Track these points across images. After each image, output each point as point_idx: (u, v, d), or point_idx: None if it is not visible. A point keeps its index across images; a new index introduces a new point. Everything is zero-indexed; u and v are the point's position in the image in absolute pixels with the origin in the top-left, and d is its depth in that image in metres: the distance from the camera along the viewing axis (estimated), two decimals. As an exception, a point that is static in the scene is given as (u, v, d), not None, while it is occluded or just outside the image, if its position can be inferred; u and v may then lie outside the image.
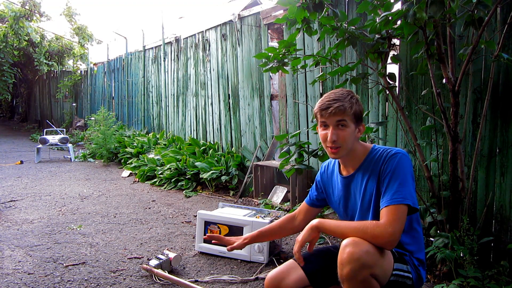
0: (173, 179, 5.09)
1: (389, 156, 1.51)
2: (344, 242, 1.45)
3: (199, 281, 2.38)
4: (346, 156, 1.60)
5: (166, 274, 2.37)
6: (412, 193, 1.44)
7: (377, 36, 2.53)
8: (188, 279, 2.41)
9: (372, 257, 1.43)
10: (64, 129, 10.10)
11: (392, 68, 2.94)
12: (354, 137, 1.57)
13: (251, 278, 2.43)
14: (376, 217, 1.52)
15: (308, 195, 1.85)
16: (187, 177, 5.01)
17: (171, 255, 2.50)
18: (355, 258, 1.41)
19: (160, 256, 2.49)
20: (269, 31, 4.69)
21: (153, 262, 2.45)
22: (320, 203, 1.80)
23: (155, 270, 2.40)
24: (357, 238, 1.45)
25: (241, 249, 1.76)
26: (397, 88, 2.93)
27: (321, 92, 3.73)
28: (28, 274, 2.49)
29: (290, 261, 1.71)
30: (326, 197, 1.78)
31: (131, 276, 2.48)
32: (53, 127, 9.91)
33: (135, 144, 6.86)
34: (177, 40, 6.74)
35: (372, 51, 2.57)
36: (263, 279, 2.39)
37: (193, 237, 3.10)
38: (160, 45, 7.31)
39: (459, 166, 2.33)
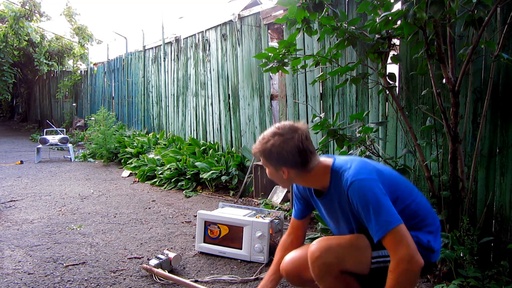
0: (173, 179, 5.09)
1: (348, 189, 1.47)
2: (312, 242, 1.50)
3: (199, 281, 2.39)
4: (301, 183, 1.62)
5: (166, 273, 2.37)
6: (389, 212, 1.40)
7: (377, 36, 2.53)
8: (189, 279, 2.41)
9: (334, 253, 1.44)
10: (64, 129, 10.10)
11: (392, 68, 2.94)
12: (283, 178, 1.57)
13: (251, 278, 2.43)
14: (359, 224, 1.53)
15: (293, 213, 1.85)
16: (187, 177, 5.01)
17: (171, 255, 2.50)
18: (315, 257, 1.47)
19: (160, 256, 2.49)
20: (269, 31, 4.69)
21: (153, 261, 2.45)
22: (308, 209, 1.80)
23: (155, 269, 2.40)
24: (323, 238, 1.51)
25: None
26: (397, 88, 2.93)
27: (321, 92, 3.73)
28: (28, 274, 2.49)
29: (307, 245, 1.75)
30: (310, 203, 1.78)
31: (131, 276, 2.48)
32: (53, 127, 9.91)
33: (135, 144, 6.86)
34: (177, 40, 6.74)
35: (372, 51, 2.57)
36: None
37: (193, 237, 3.10)
38: (160, 45, 7.31)
39: (459, 166, 2.33)
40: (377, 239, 1.41)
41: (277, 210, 3.44)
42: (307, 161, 1.54)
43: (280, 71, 2.74)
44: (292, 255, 1.75)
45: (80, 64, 13.69)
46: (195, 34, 6.20)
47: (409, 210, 1.55)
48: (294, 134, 1.51)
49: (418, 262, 1.35)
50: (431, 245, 1.55)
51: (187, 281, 2.32)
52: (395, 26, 2.37)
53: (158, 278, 2.38)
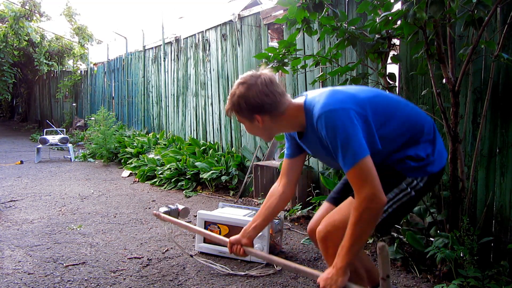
0: (173, 179, 5.09)
1: (317, 124, 1.46)
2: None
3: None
4: (279, 128, 1.61)
5: (171, 218, 2.28)
6: (356, 144, 1.36)
7: (377, 36, 2.53)
8: (188, 278, 2.41)
9: (340, 231, 1.47)
10: (64, 129, 10.10)
11: (392, 68, 2.94)
12: (259, 127, 1.56)
13: (242, 273, 2.43)
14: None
15: (285, 152, 1.80)
16: (187, 177, 5.00)
17: (181, 206, 2.45)
18: (322, 237, 1.58)
19: (170, 205, 2.44)
20: (269, 31, 4.69)
21: (163, 209, 2.39)
22: (298, 149, 1.75)
23: (162, 215, 2.34)
24: (328, 215, 1.58)
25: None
26: (397, 88, 2.93)
27: (321, 92, 3.72)
28: (28, 274, 2.49)
29: (325, 204, 1.79)
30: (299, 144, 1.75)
31: (131, 276, 2.48)
32: (53, 127, 9.91)
33: (135, 144, 6.86)
34: (177, 40, 6.74)
35: (372, 51, 2.58)
36: (261, 276, 2.40)
37: (193, 237, 3.10)
38: (160, 45, 7.31)
39: (459, 166, 2.33)
40: (345, 171, 1.41)
41: (277, 210, 3.43)
42: (276, 103, 1.51)
43: (280, 71, 2.74)
44: (313, 218, 1.79)
45: (80, 64, 13.70)
46: (195, 34, 6.20)
47: (401, 126, 1.52)
48: (256, 80, 1.50)
49: (380, 200, 1.35)
50: (431, 159, 1.54)
51: (188, 224, 2.29)
52: (395, 26, 2.37)
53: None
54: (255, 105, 1.49)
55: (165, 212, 2.34)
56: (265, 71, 1.54)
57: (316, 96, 1.52)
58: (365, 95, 1.52)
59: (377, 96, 1.56)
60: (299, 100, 1.57)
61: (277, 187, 1.79)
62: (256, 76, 1.51)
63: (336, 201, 1.73)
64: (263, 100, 1.49)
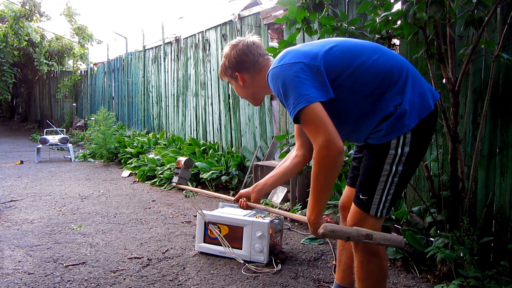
0: (173, 179, 5.09)
1: (268, 81, 1.53)
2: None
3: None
4: (258, 88, 1.70)
5: (190, 187, 2.34)
6: (302, 92, 1.36)
7: (377, 36, 2.53)
8: (189, 277, 2.41)
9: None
10: (64, 129, 10.10)
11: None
12: (242, 86, 1.70)
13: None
14: None
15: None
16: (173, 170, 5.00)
17: (182, 159, 2.34)
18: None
19: (175, 171, 2.35)
20: (269, 31, 4.69)
21: (175, 179, 2.33)
22: None
23: (176, 184, 2.33)
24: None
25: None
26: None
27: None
28: (28, 274, 2.49)
29: (346, 187, 1.86)
30: None
31: (131, 276, 2.48)
32: (53, 127, 9.91)
33: (135, 144, 6.86)
34: (177, 40, 6.74)
35: (372, 51, 2.57)
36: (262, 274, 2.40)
37: (193, 237, 3.10)
38: (160, 45, 7.31)
39: (459, 166, 2.33)
40: (293, 119, 1.43)
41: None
42: (254, 62, 1.65)
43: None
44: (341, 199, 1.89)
45: (80, 64, 13.71)
46: (195, 34, 6.20)
47: (360, 76, 1.44)
48: (240, 42, 1.67)
49: (335, 146, 1.32)
50: (400, 111, 1.40)
51: (194, 188, 2.35)
52: (395, 26, 2.37)
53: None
54: (235, 63, 1.66)
55: (179, 180, 2.30)
56: (254, 37, 1.69)
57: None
58: (319, 49, 1.48)
59: (334, 47, 1.49)
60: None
61: (292, 151, 1.87)
62: (242, 39, 1.68)
63: (352, 181, 1.83)
64: (242, 58, 1.65)
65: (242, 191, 1.90)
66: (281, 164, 1.86)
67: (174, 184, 2.32)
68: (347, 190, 1.88)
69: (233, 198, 1.95)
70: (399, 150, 1.42)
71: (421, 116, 1.42)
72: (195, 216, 2.95)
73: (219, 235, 2.69)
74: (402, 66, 1.49)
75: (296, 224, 3.50)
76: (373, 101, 1.44)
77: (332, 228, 1.39)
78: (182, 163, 2.32)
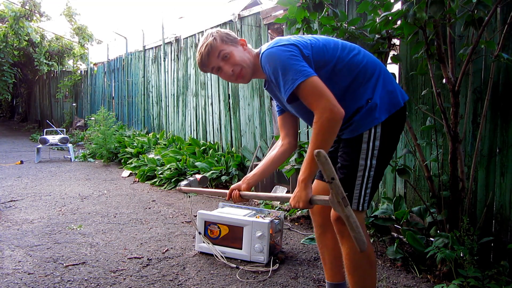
0: (173, 179, 5.09)
1: (261, 62, 1.55)
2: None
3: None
4: (252, 74, 1.67)
5: (191, 188, 2.37)
6: (299, 67, 1.42)
7: (377, 36, 2.53)
8: (189, 278, 2.41)
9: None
10: (64, 129, 10.10)
11: (392, 68, 2.93)
12: (244, 50, 1.66)
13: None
14: None
15: (276, 110, 1.90)
16: (187, 177, 5.00)
17: (198, 176, 2.48)
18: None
19: (189, 178, 2.47)
20: (269, 31, 4.69)
21: (183, 182, 2.41)
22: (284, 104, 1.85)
23: (184, 188, 2.38)
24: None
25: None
26: (397, 88, 2.93)
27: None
28: (28, 274, 2.49)
29: (316, 181, 1.84)
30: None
31: (131, 276, 2.48)
32: (53, 127, 9.91)
33: (135, 144, 6.87)
34: (177, 40, 6.74)
35: (372, 51, 2.57)
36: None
37: (193, 237, 3.10)
38: (160, 45, 7.31)
39: (459, 166, 2.33)
40: (288, 96, 1.45)
41: (277, 210, 3.44)
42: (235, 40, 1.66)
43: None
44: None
45: (80, 64, 13.71)
46: (195, 34, 6.20)
47: (345, 67, 1.54)
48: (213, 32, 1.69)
49: (339, 110, 1.39)
50: (371, 104, 1.51)
51: (204, 189, 2.36)
52: (395, 26, 2.37)
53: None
54: (229, 33, 1.67)
55: (186, 185, 2.37)
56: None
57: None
58: (308, 40, 1.58)
59: (316, 41, 1.59)
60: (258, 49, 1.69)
61: (280, 141, 1.89)
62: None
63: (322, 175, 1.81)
64: (223, 37, 1.65)
65: (233, 185, 1.91)
66: (269, 154, 1.89)
67: (179, 188, 2.37)
68: (316, 184, 1.84)
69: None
70: (371, 144, 1.52)
71: (390, 111, 1.53)
72: (195, 216, 2.95)
73: (209, 243, 2.69)
74: (376, 65, 1.59)
75: (296, 224, 3.50)
76: (349, 93, 1.53)
77: (315, 198, 1.44)
78: (199, 178, 2.41)
